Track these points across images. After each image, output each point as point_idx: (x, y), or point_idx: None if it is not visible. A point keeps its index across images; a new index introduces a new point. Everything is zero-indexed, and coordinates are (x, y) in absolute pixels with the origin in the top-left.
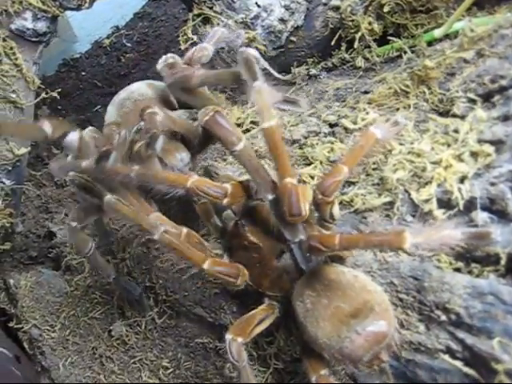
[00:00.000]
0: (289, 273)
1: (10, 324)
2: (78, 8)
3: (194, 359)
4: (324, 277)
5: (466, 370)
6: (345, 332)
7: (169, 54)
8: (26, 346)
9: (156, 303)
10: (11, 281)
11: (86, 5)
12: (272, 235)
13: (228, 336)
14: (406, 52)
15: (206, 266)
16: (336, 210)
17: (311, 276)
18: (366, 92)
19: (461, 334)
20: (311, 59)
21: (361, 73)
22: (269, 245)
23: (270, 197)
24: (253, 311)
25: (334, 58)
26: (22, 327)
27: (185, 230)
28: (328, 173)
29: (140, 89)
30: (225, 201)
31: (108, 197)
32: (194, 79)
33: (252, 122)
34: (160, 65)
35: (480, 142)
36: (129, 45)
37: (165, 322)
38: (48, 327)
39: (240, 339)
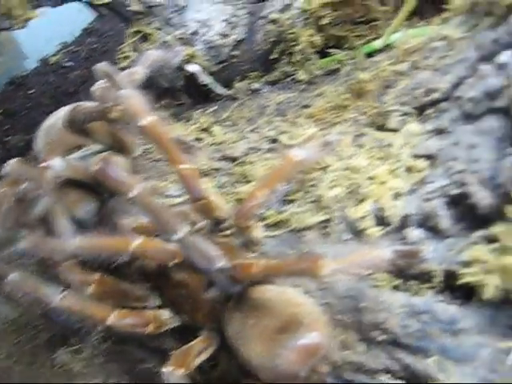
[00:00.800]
0: (220, 302)
1: None
2: (11, 28)
3: None
4: (250, 297)
5: None
6: (276, 349)
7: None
8: None
9: (99, 328)
10: None
11: (20, 24)
12: (196, 269)
13: (167, 369)
14: (345, 64)
15: (110, 321)
16: (258, 233)
17: (238, 299)
18: (306, 106)
19: (399, 354)
20: (254, 73)
21: (303, 86)
22: (194, 279)
23: (176, 237)
24: (191, 343)
25: (276, 72)
26: None
27: (96, 276)
28: (245, 200)
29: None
30: (175, 261)
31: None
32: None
33: (197, 139)
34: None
35: (414, 156)
36: (76, 61)
37: (109, 347)
38: None
39: (181, 371)
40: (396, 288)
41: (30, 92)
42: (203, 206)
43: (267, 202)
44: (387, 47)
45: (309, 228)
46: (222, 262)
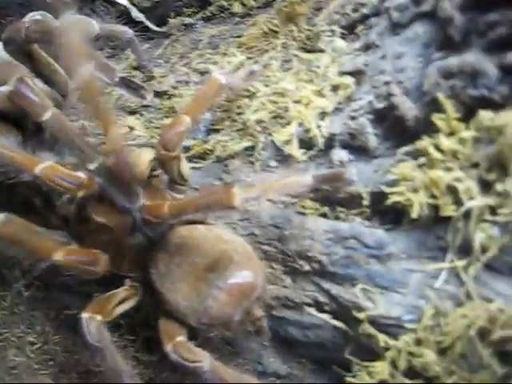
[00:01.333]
0: (145, 248)
1: None
2: None
3: (63, 332)
4: (176, 236)
5: (334, 322)
6: (205, 289)
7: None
8: None
9: (23, 275)
10: None
11: None
12: (119, 210)
13: (84, 315)
14: None
15: (57, 256)
16: (185, 167)
17: (163, 240)
18: (238, 37)
19: (326, 285)
20: (189, 9)
21: (237, 19)
22: (118, 221)
23: (92, 166)
24: (114, 291)
25: (212, 7)
26: None
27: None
28: (168, 125)
29: None
30: (79, 193)
31: None
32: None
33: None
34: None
35: (341, 74)
36: None
37: (32, 294)
38: None
39: (99, 317)
40: (324, 216)
41: None
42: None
43: (192, 129)
44: None
45: (234, 156)
46: (142, 201)
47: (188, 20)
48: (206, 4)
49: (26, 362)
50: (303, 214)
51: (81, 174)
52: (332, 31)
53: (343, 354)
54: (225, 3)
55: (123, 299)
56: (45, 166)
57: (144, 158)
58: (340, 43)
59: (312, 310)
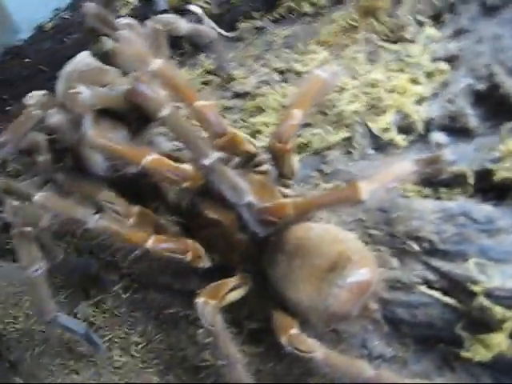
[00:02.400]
0: (255, 243)
1: None
2: None
3: (166, 331)
4: (292, 237)
5: (445, 299)
6: (326, 289)
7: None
8: None
9: (120, 277)
10: None
11: None
12: (228, 206)
13: (199, 299)
14: None
15: (149, 244)
16: (295, 161)
17: (278, 240)
18: (314, 34)
19: (436, 262)
20: (258, 13)
21: (308, 19)
22: (229, 217)
23: (206, 162)
24: (225, 280)
25: (280, 8)
26: None
27: (136, 208)
28: (281, 119)
29: (85, 59)
30: (184, 185)
31: (38, 195)
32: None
33: (204, 83)
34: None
35: (434, 60)
36: (72, 26)
37: (131, 296)
38: (11, 319)
39: (213, 302)
40: (426, 197)
41: (27, 60)
42: (229, 141)
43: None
44: None
45: (331, 147)
46: (249, 197)
47: (259, 23)
48: (274, 7)
49: (131, 361)
50: (407, 196)
51: (187, 167)
52: (418, 21)
53: (453, 331)
54: (292, 4)
55: (235, 287)
56: (152, 158)
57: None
58: (431, 31)
59: (422, 288)
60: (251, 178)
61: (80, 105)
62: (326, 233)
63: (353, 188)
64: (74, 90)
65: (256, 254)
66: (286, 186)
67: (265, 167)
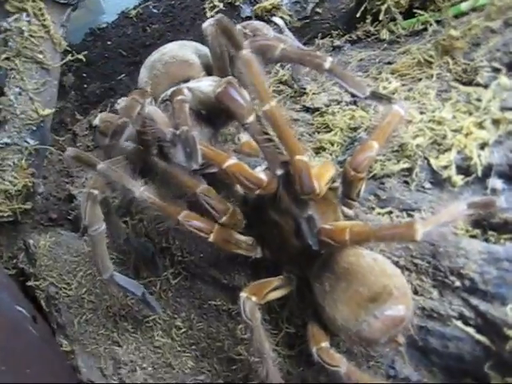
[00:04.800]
0: (307, 252)
1: (29, 283)
2: None
3: (207, 320)
4: (343, 259)
5: (478, 336)
6: (363, 316)
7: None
8: (42, 303)
9: (171, 264)
10: (31, 241)
11: None
12: (291, 215)
13: (242, 294)
14: (431, 24)
15: (180, 217)
16: (363, 188)
17: (330, 258)
18: (389, 63)
19: (474, 301)
20: (336, 31)
21: (385, 45)
22: (288, 223)
23: (279, 172)
24: (270, 278)
25: (359, 31)
26: (40, 285)
27: (231, 207)
28: (359, 149)
29: (172, 51)
30: (256, 192)
31: (100, 165)
32: (277, 51)
33: (276, 91)
34: (206, 24)
35: (502, 109)
36: (155, 16)
37: (179, 282)
38: (65, 285)
39: (254, 298)
40: (474, 237)
41: (109, 43)
42: (311, 197)
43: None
44: (474, 10)
45: (390, 175)
46: (310, 212)
47: (337, 42)
48: (353, 28)
49: (170, 343)
50: (455, 234)
51: (262, 176)
52: (492, 67)
53: (482, 368)
54: (371, 29)
55: (277, 287)
56: (232, 162)
57: (327, 174)
58: (504, 80)
59: (456, 322)
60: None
61: (185, 113)
62: (376, 264)
63: (410, 228)
64: (180, 97)
65: (305, 262)
66: (349, 207)
67: (335, 184)
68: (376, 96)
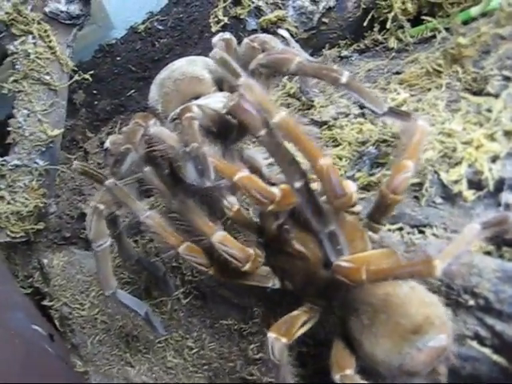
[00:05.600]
0: (337, 284)
1: (44, 302)
2: None
3: (219, 340)
4: (380, 290)
5: (495, 357)
6: (406, 349)
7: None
8: (57, 323)
9: (182, 283)
10: (45, 260)
11: None
12: (316, 240)
13: (271, 334)
14: (440, 31)
15: (180, 249)
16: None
17: (365, 288)
18: (397, 73)
19: (490, 320)
20: (343, 41)
21: (393, 54)
22: (316, 252)
23: (298, 184)
24: (295, 312)
25: (367, 40)
26: (54, 305)
27: (252, 252)
28: (394, 170)
29: (181, 67)
30: (269, 207)
31: (109, 181)
32: (293, 65)
33: (283, 105)
34: (216, 39)
35: None
36: (163, 30)
37: (190, 302)
38: (78, 305)
39: (284, 340)
40: (488, 254)
41: (118, 59)
42: (344, 202)
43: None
44: (484, 15)
45: None
46: (333, 226)
47: (344, 52)
48: (360, 37)
49: (183, 363)
50: (468, 251)
51: (275, 191)
52: (503, 76)
53: None
54: (379, 37)
55: (305, 322)
56: (243, 175)
57: (350, 190)
58: None
59: (472, 343)
60: (343, 217)
61: (194, 130)
62: (414, 293)
63: (428, 265)
64: (189, 114)
65: (335, 294)
66: (375, 231)
67: (358, 208)
68: (394, 112)
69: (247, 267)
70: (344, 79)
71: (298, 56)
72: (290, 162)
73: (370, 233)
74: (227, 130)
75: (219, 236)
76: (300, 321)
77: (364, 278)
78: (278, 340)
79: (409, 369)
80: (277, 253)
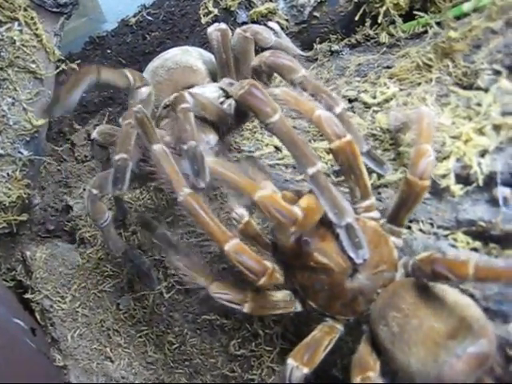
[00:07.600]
0: (364, 293)
1: (26, 295)
2: None
3: (200, 335)
4: (407, 293)
5: None
6: (443, 356)
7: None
8: (37, 316)
9: (165, 277)
10: (28, 253)
11: None
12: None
13: (292, 362)
14: (432, 26)
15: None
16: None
17: (393, 294)
18: (388, 67)
19: None
20: (334, 35)
21: (384, 49)
22: (340, 262)
23: (310, 171)
24: (317, 334)
25: (358, 35)
26: (35, 298)
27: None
28: (415, 155)
29: (175, 56)
30: (291, 229)
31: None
32: (297, 76)
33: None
34: (211, 29)
35: (504, 114)
36: (154, 23)
37: (172, 297)
38: (59, 298)
39: (306, 370)
40: (475, 250)
41: (108, 51)
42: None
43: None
44: (476, 11)
45: (387, 185)
46: (351, 218)
47: (335, 46)
48: (351, 32)
49: (163, 359)
50: (455, 246)
51: (298, 211)
52: (493, 70)
53: None
54: (371, 32)
55: (327, 346)
56: (264, 193)
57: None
58: (505, 83)
59: None
60: (364, 224)
61: (191, 125)
62: (446, 295)
63: None
64: (184, 105)
65: (361, 305)
66: (397, 236)
67: (376, 214)
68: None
69: (262, 282)
70: (338, 110)
71: (305, 70)
72: (302, 148)
73: (393, 237)
74: (221, 121)
75: (234, 245)
76: (323, 346)
77: (471, 273)
78: (298, 369)
79: (448, 379)
80: (296, 270)
